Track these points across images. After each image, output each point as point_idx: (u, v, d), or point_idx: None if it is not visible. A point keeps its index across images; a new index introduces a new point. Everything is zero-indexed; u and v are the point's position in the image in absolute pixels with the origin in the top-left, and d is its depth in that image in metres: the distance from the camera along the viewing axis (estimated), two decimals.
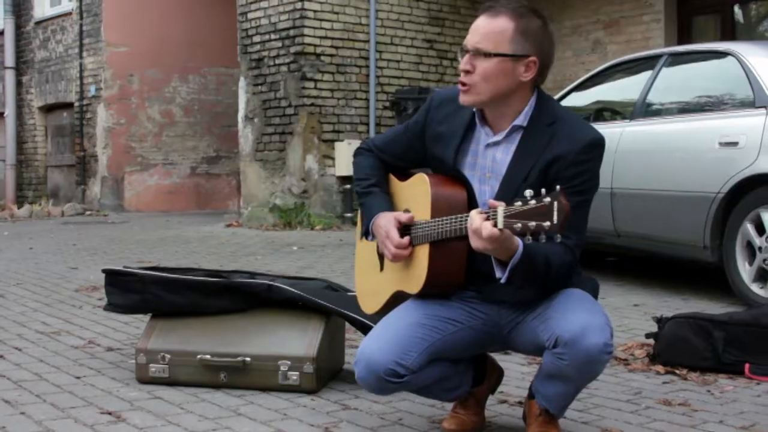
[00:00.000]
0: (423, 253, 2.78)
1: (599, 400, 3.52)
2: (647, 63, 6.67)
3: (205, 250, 8.86)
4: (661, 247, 6.17)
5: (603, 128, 6.48)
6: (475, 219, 2.48)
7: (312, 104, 11.24)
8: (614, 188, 6.31)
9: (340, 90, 11.46)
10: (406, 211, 2.89)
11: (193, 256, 8.36)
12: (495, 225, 2.42)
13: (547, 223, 2.32)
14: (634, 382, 3.82)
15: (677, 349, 4.05)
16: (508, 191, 2.70)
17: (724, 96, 5.95)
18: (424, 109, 2.98)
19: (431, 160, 2.93)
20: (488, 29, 2.73)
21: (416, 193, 2.87)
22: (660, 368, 4.02)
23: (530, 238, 2.37)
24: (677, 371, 3.95)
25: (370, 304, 3.08)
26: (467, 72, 2.74)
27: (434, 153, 2.91)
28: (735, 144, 5.51)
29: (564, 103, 7.23)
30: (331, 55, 11.37)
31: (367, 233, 2.96)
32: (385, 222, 2.85)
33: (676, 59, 6.50)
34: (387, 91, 11.70)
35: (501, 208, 2.40)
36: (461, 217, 2.62)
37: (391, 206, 2.95)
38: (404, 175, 3.02)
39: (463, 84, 2.75)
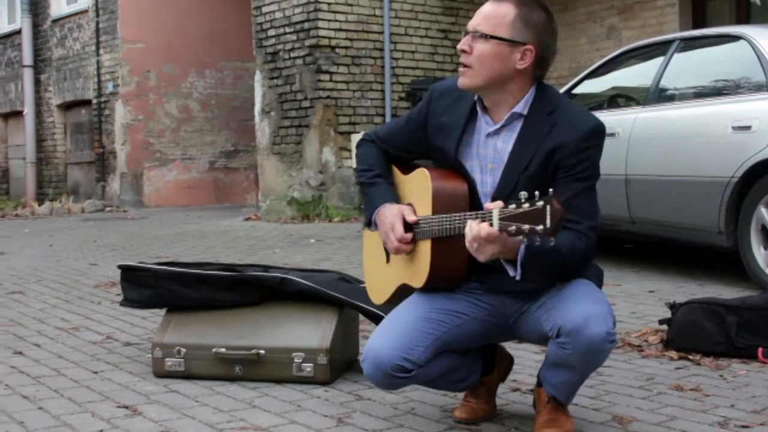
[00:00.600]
0: (425, 248, 2.80)
1: (611, 387, 3.53)
2: (659, 48, 6.66)
3: (223, 245, 8.91)
4: (676, 232, 6.17)
5: (616, 115, 6.56)
6: (473, 228, 2.51)
7: (328, 97, 11.27)
8: (628, 174, 6.31)
9: (356, 82, 11.49)
10: (409, 204, 2.91)
11: (212, 250, 8.41)
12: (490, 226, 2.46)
13: (540, 227, 2.35)
14: (647, 368, 3.84)
15: (690, 335, 4.05)
16: (509, 181, 2.73)
17: (737, 80, 5.93)
18: (425, 100, 3.00)
19: (433, 151, 2.95)
20: (490, 13, 2.77)
21: (418, 188, 2.89)
22: (673, 354, 4.03)
23: (525, 240, 2.39)
24: (690, 357, 3.96)
25: (378, 295, 3.11)
26: (465, 52, 2.77)
27: (436, 144, 2.93)
28: (748, 128, 5.50)
29: (577, 90, 7.24)
30: (346, 47, 11.40)
31: (369, 223, 2.98)
32: (391, 214, 2.88)
33: (689, 44, 6.48)
34: (402, 82, 11.72)
35: (496, 210, 2.43)
36: (462, 216, 2.64)
37: (395, 197, 2.97)
38: (407, 168, 3.04)
39: (462, 64, 2.79)
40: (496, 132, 2.83)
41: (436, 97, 2.98)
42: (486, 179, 2.83)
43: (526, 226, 2.36)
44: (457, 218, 2.66)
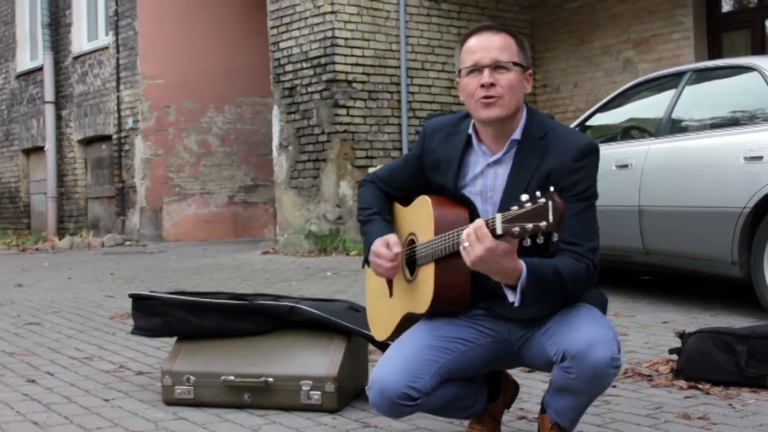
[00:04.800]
0: (429, 271, 2.82)
1: (618, 415, 3.53)
2: (672, 80, 6.69)
3: (240, 277, 8.95)
4: (690, 263, 6.16)
5: (629, 146, 6.57)
6: (473, 223, 2.52)
7: (345, 131, 11.34)
8: (642, 205, 6.32)
9: (372, 116, 11.56)
10: (411, 234, 2.94)
11: (228, 283, 8.45)
12: (494, 232, 2.46)
13: (544, 223, 2.36)
14: (655, 397, 3.83)
15: (700, 364, 4.05)
16: (508, 206, 2.75)
17: (749, 111, 5.95)
18: (419, 140, 3.06)
19: (434, 188, 2.98)
20: (500, 44, 2.81)
21: (419, 216, 2.92)
22: (683, 383, 4.02)
23: (529, 240, 2.41)
24: (700, 386, 3.96)
25: (380, 331, 3.13)
26: (492, 85, 2.79)
27: (435, 180, 2.97)
28: (760, 158, 5.50)
29: (590, 122, 7.27)
30: (363, 82, 11.48)
31: (367, 261, 3.01)
32: (375, 244, 2.93)
33: (700, 76, 6.51)
34: (419, 116, 11.78)
35: (499, 215, 2.45)
36: (461, 230, 2.65)
37: (389, 231, 3.00)
38: (408, 202, 3.08)
39: (490, 97, 2.79)
40: (497, 161, 2.86)
41: (429, 135, 3.02)
42: (487, 208, 2.86)
43: (530, 225, 2.37)
44: (458, 232, 2.65)
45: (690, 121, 6.42)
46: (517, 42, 2.84)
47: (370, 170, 10.81)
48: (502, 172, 2.85)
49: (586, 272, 2.71)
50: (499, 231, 2.43)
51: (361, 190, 3.18)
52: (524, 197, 2.40)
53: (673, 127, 6.41)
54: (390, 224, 3.06)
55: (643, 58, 11.29)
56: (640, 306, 6.34)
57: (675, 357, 4.23)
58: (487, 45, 2.81)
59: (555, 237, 2.40)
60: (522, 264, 2.58)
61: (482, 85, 2.79)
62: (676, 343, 4.36)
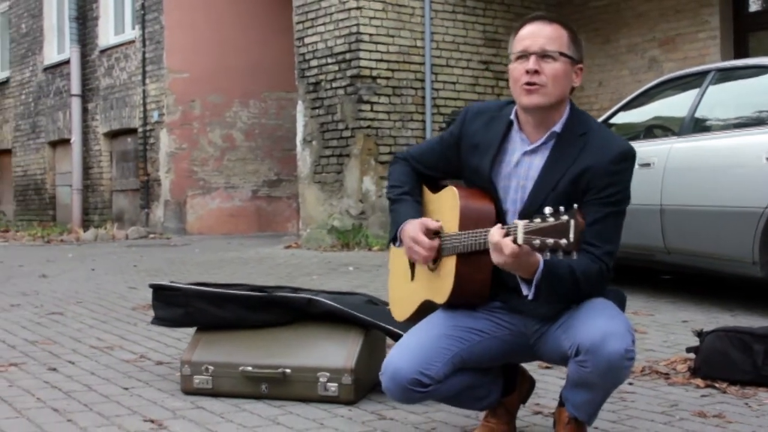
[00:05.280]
0: (450, 264, 2.84)
1: (634, 412, 3.54)
2: (695, 79, 6.67)
3: (262, 271, 8.99)
4: (711, 263, 6.14)
5: (651, 145, 6.56)
6: (495, 234, 2.56)
7: (369, 126, 11.37)
8: (663, 204, 6.31)
9: (397, 112, 11.58)
10: (437, 221, 2.97)
11: (251, 276, 8.49)
12: (515, 240, 2.49)
13: (564, 241, 2.38)
14: (672, 395, 3.84)
15: (717, 363, 4.05)
16: (537, 198, 2.78)
17: None
18: (458, 121, 3.06)
19: (467, 171, 2.99)
20: (550, 34, 2.82)
21: (446, 206, 2.94)
22: (700, 382, 4.02)
23: (549, 254, 2.43)
24: (717, 385, 3.96)
25: (400, 312, 3.16)
26: (537, 73, 2.80)
27: (470, 164, 2.98)
28: None
29: (613, 120, 7.26)
30: (387, 78, 11.50)
31: (394, 239, 3.04)
32: (413, 228, 2.93)
33: (724, 75, 6.50)
34: (443, 112, 11.79)
35: (521, 224, 2.46)
36: (486, 231, 2.68)
37: (420, 214, 3.02)
38: (436, 187, 3.10)
39: (532, 84, 2.80)
40: (533, 150, 2.88)
41: (471, 118, 3.03)
42: (518, 197, 2.87)
43: (551, 240, 2.39)
44: (483, 233, 2.69)
45: (713, 120, 6.40)
46: (570, 34, 2.85)
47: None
48: (537, 163, 2.86)
49: (600, 274, 2.74)
50: (520, 241, 2.46)
51: (392, 167, 3.19)
52: (548, 210, 2.42)
53: (696, 126, 6.39)
54: (420, 206, 3.07)
55: (668, 57, 11.26)
56: (660, 305, 6.33)
57: (692, 356, 4.23)
58: (538, 33, 2.83)
59: (575, 256, 2.42)
60: (540, 259, 2.61)
61: (527, 72, 2.81)
62: (695, 342, 4.36)
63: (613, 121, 7.31)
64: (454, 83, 12.01)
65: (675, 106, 6.90)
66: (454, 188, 2.93)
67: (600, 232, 2.72)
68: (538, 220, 2.43)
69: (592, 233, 2.68)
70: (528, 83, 2.80)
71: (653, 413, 3.53)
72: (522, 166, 2.89)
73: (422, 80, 11.76)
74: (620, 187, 2.79)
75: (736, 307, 6.11)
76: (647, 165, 6.42)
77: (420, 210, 3.05)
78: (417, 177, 3.13)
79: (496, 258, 2.58)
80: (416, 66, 11.72)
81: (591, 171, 2.76)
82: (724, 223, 5.87)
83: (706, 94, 6.40)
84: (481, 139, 2.96)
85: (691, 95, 6.56)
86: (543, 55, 2.80)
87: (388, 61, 11.51)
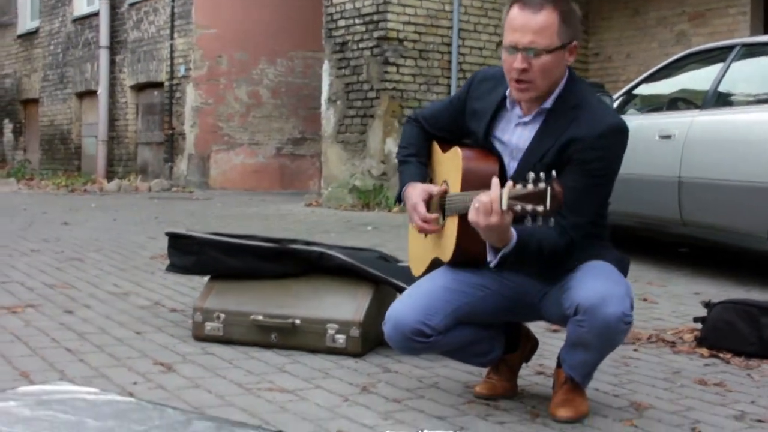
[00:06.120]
0: (453, 224, 2.89)
1: (636, 377, 3.58)
2: (721, 53, 6.64)
3: (281, 227, 9.06)
4: (726, 236, 6.15)
5: (673, 117, 6.56)
6: (482, 196, 2.58)
7: (393, 88, 11.38)
8: (682, 176, 6.31)
9: (422, 75, 11.58)
10: (444, 183, 3.01)
11: (269, 231, 8.53)
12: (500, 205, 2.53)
13: (541, 208, 2.41)
14: (675, 363, 3.87)
15: (723, 334, 4.08)
16: (525, 168, 2.78)
17: None
18: (466, 84, 3.10)
19: (468, 134, 3.04)
20: (537, 26, 2.76)
21: (452, 166, 2.98)
22: (704, 351, 4.05)
23: (530, 219, 2.46)
24: (721, 355, 3.99)
25: (417, 267, 3.22)
26: (525, 71, 2.79)
27: (470, 127, 3.02)
28: None
29: (637, 91, 7.25)
30: (414, 41, 11.50)
31: (399, 199, 3.09)
32: (415, 194, 2.98)
33: (750, 50, 6.46)
34: (469, 77, 11.75)
35: (505, 190, 2.49)
36: (478, 192, 2.71)
37: (423, 177, 3.07)
38: (449, 146, 3.13)
39: (521, 81, 2.81)
40: (526, 122, 2.91)
41: (477, 83, 3.06)
42: (512, 165, 2.92)
43: (529, 206, 2.42)
44: (475, 195, 2.72)
45: (736, 94, 6.38)
46: (561, 16, 2.77)
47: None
48: (528, 134, 2.90)
49: (566, 248, 2.78)
50: (504, 206, 2.49)
51: (405, 127, 3.24)
52: (531, 175, 2.44)
53: (718, 99, 6.38)
54: (425, 168, 3.12)
55: (697, 32, 11.19)
56: (674, 277, 6.36)
57: (699, 326, 4.26)
58: (526, 26, 2.76)
59: (551, 222, 2.46)
60: (514, 234, 2.66)
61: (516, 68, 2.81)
62: (704, 313, 4.39)
63: (637, 92, 7.31)
64: (480, 49, 11.99)
65: (699, 79, 6.88)
66: (459, 149, 2.96)
67: (574, 201, 2.70)
68: (519, 186, 2.46)
69: (567, 202, 2.67)
70: (517, 80, 2.81)
71: (655, 379, 3.57)
72: (514, 135, 2.93)
73: (449, 44, 11.74)
74: (605, 162, 2.80)
75: (750, 282, 6.12)
76: (668, 137, 6.42)
77: (425, 172, 3.10)
78: (426, 138, 3.17)
79: (482, 220, 2.57)
80: (444, 30, 11.71)
81: (578, 142, 2.78)
82: (742, 197, 5.86)
83: (730, 69, 6.37)
84: (481, 106, 3.00)
85: (715, 69, 6.53)
86: (532, 52, 2.77)
87: (415, 24, 11.50)
